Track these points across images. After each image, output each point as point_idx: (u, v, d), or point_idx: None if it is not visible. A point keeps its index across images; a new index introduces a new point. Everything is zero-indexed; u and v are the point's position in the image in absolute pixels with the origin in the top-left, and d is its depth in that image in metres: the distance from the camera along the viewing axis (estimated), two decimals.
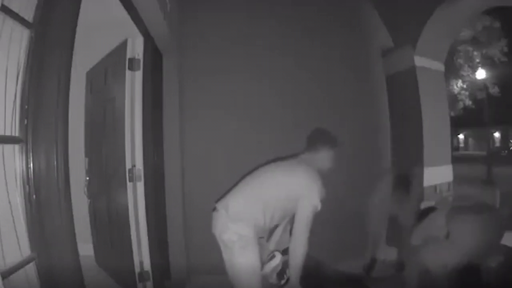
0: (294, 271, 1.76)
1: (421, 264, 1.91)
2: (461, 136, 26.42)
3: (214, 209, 1.87)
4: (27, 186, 1.07)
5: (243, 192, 1.85)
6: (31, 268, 1.06)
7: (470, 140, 26.32)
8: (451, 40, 3.94)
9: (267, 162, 2.03)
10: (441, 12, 3.37)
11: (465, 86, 12.92)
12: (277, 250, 1.93)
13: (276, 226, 1.96)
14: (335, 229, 2.86)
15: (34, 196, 1.08)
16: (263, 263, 1.84)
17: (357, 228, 2.84)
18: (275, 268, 1.86)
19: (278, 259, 1.87)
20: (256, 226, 1.76)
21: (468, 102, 13.40)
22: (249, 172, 2.00)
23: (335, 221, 2.90)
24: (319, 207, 1.76)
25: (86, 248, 2.76)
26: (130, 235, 2.39)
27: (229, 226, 1.74)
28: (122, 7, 2.04)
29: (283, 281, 1.86)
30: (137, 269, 2.42)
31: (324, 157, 1.94)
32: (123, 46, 2.48)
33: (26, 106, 1.08)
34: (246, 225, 1.74)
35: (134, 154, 2.42)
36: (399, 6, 3.62)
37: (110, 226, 2.71)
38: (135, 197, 2.41)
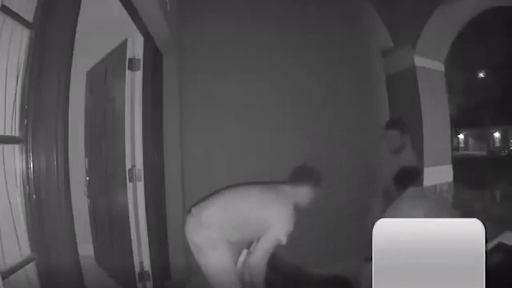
0: (255, 276, 1.86)
1: None
2: (461, 136, 26.43)
3: (189, 212, 1.96)
4: (27, 186, 1.07)
5: (218, 205, 1.93)
6: (31, 268, 1.06)
7: (470, 140, 26.35)
8: (451, 40, 3.95)
9: (252, 183, 2.07)
10: (441, 12, 3.38)
11: None
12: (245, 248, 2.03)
13: (243, 245, 2.04)
14: (331, 231, 2.88)
15: (34, 196, 1.08)
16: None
17: (351, 231, 2.85)
18: (243, 263, 1.95)
19: (244, 253, 1.97)
20: (225, 236, 1.86)
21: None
22: (232, 186, 2.06)
23: (331, 223, 2.91)
24: (283, 241, 1.82)
25: (86, 248, 2.76)
26: (130, 235, 2.39)
27: (200, 231, 1.85)
28: (122, 7, 2.04)
29: None
30: (137, 269, 2.42)
31: (304, 194, 1.96)
32: (123, 46, 2.48)
33: (26, 106, 1.08)
34: (216, 231, 1.84)
35: (134, 154, 2.42)
36: (399, 6, 3.62)
37: (110, 226, 2.71)
38: (135, 197, 2.41)
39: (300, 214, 1.95)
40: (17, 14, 1.04)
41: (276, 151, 2.97)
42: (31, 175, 1.08)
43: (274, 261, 1.97)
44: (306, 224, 1.94)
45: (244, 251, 1.95)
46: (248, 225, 1.87)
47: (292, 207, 1.89)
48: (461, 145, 26.58)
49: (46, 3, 1.12)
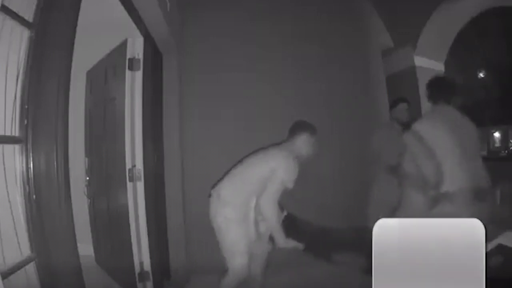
0: (270, 226, 2.05)
1: None
2: None
3: (210, 195, 2.12)
4: (27, 186, 1.07)
5: (231, 176, 2.13)
6: (31, 268, 1.06)
7: None
8: (451, 40, 3.95)
9: (257, 150, 2.25)
10: (441, 12, 3.38)
11: None
12: None
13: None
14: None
15: (34, 196, 1.08)
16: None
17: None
18: (254, 209, 2.08)
19: (253, 200, 2.08)
20: (243, 207, 2.03)
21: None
22: (242, 159, 2.22)
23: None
24: (289, 184, 2.03)
25: (86, 248, 2.76)
26: (130, 235, 2.39)
27: (219, 211, 2.03)
28: (122, 7, 2.04)
29: (284, 214, 2.16)
30: (137, 269, 2.41)
31: (302, 143, 2.17)
32: (123, 46, 2.48)
33: (26, 106, 1.08)
34: (233, 209, 2.01)
35: (134, 154, 2.42)
36: (399, 6, 3.62)
37: (110, 226, 2.71)
38: (135, 197, 2.41)
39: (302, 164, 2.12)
40: (17, 14, 1.03)
41: None
42: (31, 175, 1.08)
43: (297, 224, 2.16)
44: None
45: (253, 198, 2.05)
46: (260, 185, 2.02)
47: (293, 156, 2.09)
48: None
49: (46, 3, 1.12)
